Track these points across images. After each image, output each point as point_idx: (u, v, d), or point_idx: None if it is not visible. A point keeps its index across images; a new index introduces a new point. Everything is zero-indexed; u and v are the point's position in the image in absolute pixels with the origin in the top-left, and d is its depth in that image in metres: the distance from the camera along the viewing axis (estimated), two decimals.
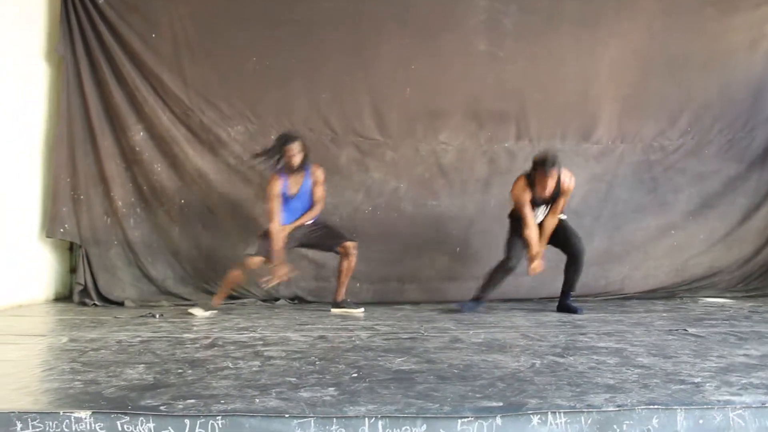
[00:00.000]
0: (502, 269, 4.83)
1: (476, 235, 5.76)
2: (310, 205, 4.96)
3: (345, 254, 4.96)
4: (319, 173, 4.98)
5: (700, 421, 2.08)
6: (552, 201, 4.77)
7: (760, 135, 5.92)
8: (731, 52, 5.94)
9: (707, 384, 2.43)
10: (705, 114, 5.91)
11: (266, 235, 4.80)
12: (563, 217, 4.90)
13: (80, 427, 2.03)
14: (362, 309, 4.92)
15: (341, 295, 4.99)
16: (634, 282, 5.80)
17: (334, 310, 4.90)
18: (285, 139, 4.87)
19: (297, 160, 4.84)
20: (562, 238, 4.85)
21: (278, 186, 4.84)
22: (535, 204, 4.77)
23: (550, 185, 4.61)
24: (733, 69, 5.94)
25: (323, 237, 4.99)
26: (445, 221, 5.76)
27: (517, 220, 4.86)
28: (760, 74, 5.94)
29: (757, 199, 5.91)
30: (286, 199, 4.88)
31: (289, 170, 4.86)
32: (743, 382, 2.46)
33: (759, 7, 5.95)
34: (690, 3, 5.92)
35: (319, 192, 4.98)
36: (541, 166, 4.59)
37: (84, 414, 2.04)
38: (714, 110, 5.90)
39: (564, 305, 4.85)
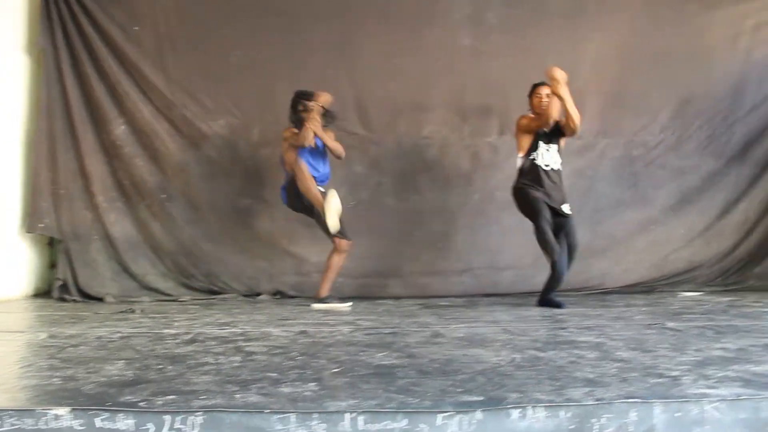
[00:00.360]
0: (541, 225, 4.64)
1: (459, 229, 5.77)
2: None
3: (336, 249, 4.96)
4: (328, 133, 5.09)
5: (677, 414, 2.10)
6: (556, 135, 4.90)
7: (739, 131, 5.94)
8: (712, 47, 5.96)
9: (684, 377, 2.45)
10: (685, 109, 5.94)
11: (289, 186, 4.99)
12: (569, 211, 4.92)
13: (59, 424, 2.01)
14: (350, 303, 4.88)
15: (325, 291, 4.97)
16: (614, 277, 5.82)
17: (316, 306, 4.85)
18: (303, 94, 4.98)
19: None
20: (563, 230, 4.81)
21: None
22: (539, 136, 4.85)
23: (546, 100, 4.83)
24: (713, 64, 5.96)
25: None
26: (427, 216, 5.76)
27: (521, 189, 4.87)
28: (739, 70, 5.97)
29: (735, 194, 5.94)
30: (310, 148, 4.96)
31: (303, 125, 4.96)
32: (720, 375, 2.49)
33: (740, 3, 5.98)
34: None
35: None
36: (540, 84, 4.86)
37: (63, 411, 2.02)
38: (694, 106, 5.93)
39: (547, 300, 4.84)
